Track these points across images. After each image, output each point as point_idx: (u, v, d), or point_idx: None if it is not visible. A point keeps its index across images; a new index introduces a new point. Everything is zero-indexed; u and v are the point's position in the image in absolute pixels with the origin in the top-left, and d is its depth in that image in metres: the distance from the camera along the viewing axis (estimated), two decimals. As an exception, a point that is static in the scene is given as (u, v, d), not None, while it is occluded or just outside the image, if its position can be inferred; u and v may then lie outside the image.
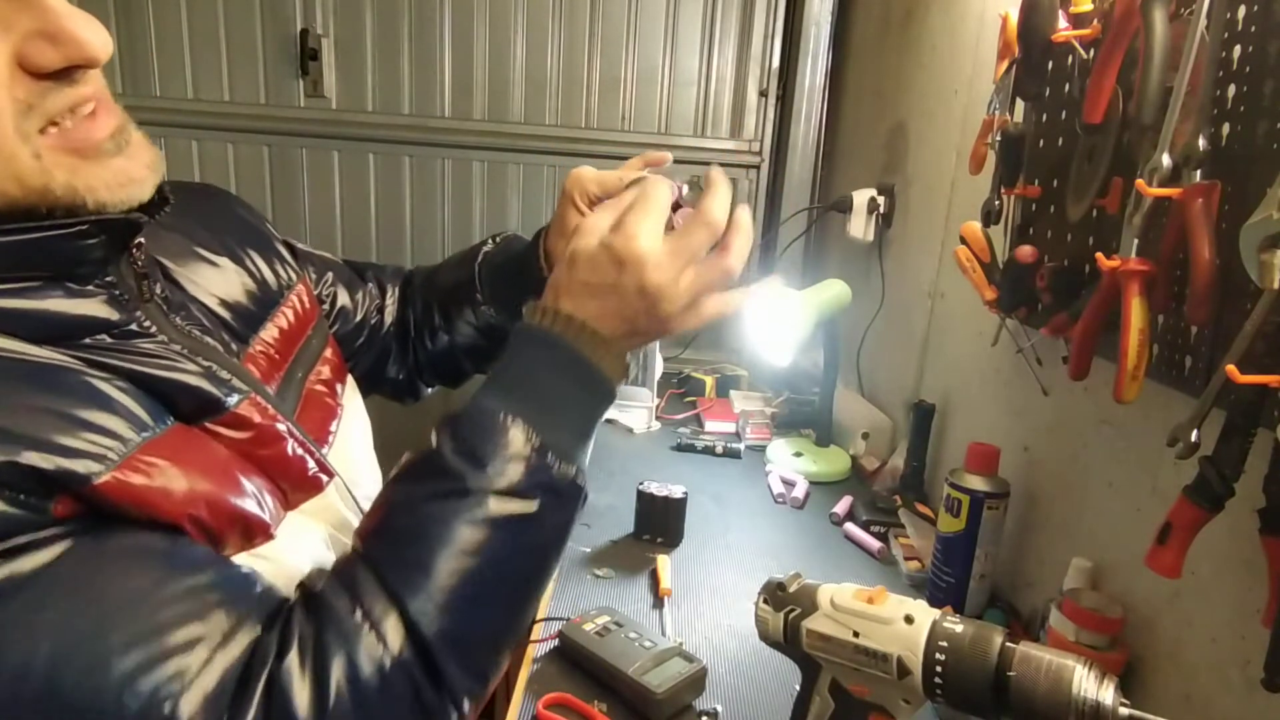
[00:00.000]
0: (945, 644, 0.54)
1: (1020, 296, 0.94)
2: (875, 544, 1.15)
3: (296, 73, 2.04)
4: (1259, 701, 0.63)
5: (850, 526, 1.21)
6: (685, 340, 2.16)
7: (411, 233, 2.15)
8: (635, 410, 1.63)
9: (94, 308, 0.53)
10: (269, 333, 0.70)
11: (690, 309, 0.62)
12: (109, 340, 0.53)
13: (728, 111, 2.13)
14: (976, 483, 0.95)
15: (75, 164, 0.49)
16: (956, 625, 0.55)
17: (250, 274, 0.72)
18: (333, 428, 0.73)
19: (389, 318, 0.96)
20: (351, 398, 0.81)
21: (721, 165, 2.16)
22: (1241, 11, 0.64)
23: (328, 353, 0.78)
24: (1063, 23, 0.86)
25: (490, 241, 0.97)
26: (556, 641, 0.86)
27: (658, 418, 1.65)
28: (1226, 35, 0.65)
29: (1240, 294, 0.61)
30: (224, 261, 0.70)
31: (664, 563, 1.05)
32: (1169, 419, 0.61)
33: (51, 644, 0.42)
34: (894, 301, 1.58)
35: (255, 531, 0.56)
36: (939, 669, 0.54)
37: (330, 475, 0.66)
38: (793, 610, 0.62)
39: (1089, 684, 0.49)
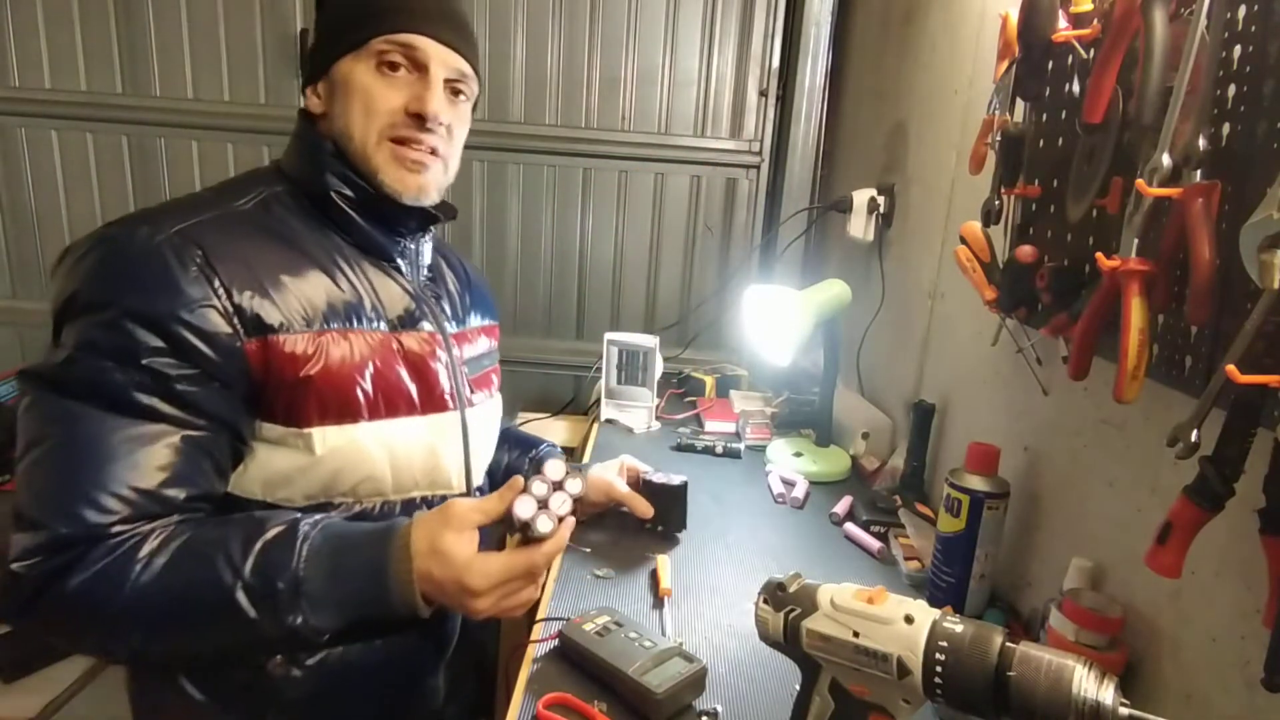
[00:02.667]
0: (945, 644, 0.54)
1: (1020, 296, 0.94)
2: (875, 544, 1.15)
3: (296, 73, 2.04)
4: (1259, 701, 0.63)
5: (850, 526, 1.21)
6: (685, 340, 2.16)
7: (411, 233, 2.16)
8: (635, 410, 1.63)
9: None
10: (473, 330, 1.04)
11: (490, 606, 0.77)
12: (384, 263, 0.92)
13: (728, 111, 2.13)
14: (976, 483, 0.95)
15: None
16: (956, 625, 0.55)
17: (482, 305, 1.09)
18: (477, 399, 0.98)
19: None
20: (497, 402, 1.06)
21: (721, 165, 2.18)
22: (1241, 11, 0.64)
23: (494, 376, 1.07)
24: (1063, 23, 0.86)
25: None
26: (556, 641, 0.86)
27: (658, 418, 1.65)
28: (1226, 35, 0.65)
29: (1240, 294, 0.61)
30: (473, 295, 1.08)
31: (664, 563, 1.05)
32: (1169, 419, 0.61)
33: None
34: (894, 301, 1.58)
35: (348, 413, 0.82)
36: (939, 669, 0.54)
37: (456, 406, 0.92)
38: (793, 610, 0.62)
39: (1089, 684, 0.49)
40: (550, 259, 2.22)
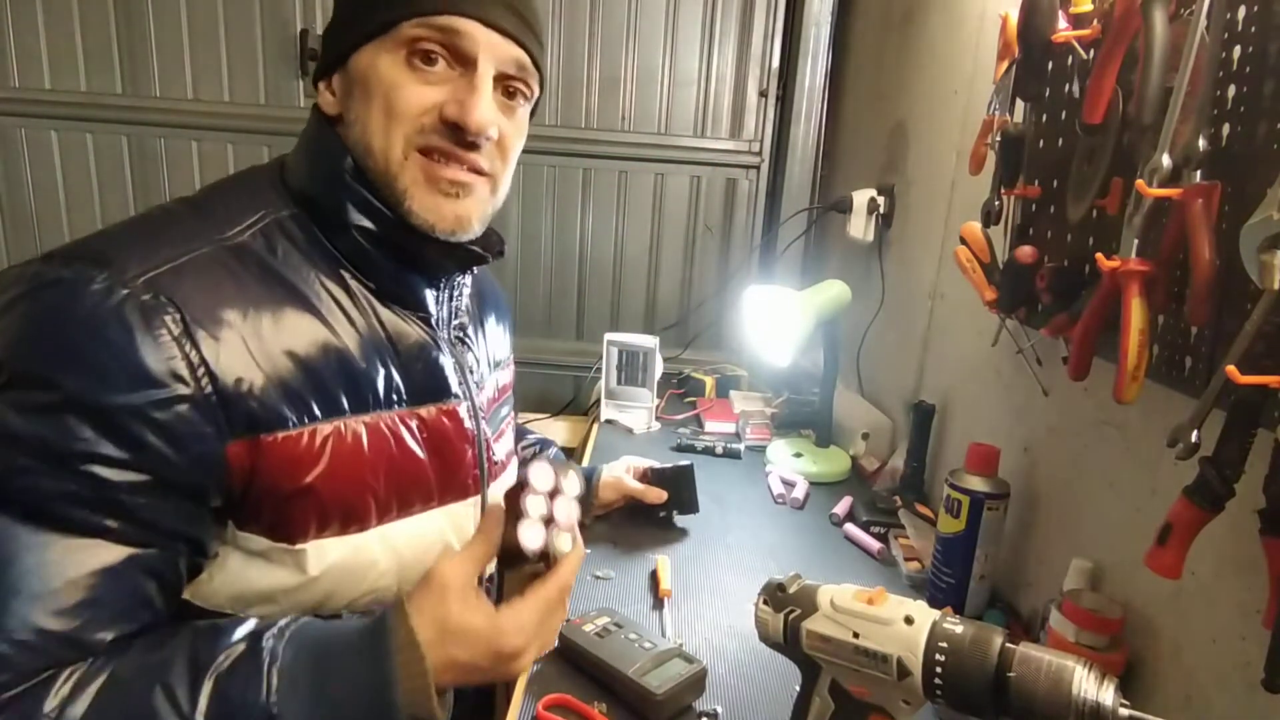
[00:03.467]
0: (945, 645, 0.54)
1: (1020, 297, 0.94)
2: (875, 544, 1.15)
3: (296, 73, 2.04)
4: (1259, 702, 0.63)
5: (850, 527, 1.21)
6: (685, 340, 2.16)
7: (411, 233, 2.16)
8: (635, 411, 1.63)
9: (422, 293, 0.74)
10: (493, 382, 0.89)
11: (535, 655, 0.67)
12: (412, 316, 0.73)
13: (728, 111, 2.13)
14: (976, 483, 0.95)
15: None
16: (956, 626, 0.55)
17: (501, 335, 0.96)
18: (498, 458, 0.84)
19: None
20: (514, 464, 0.93)
21: (721, 165, 2.18)
22: (1241, 11, 0.64)
23: (512, 418, 0.95)
24: (1063, 23, 0.86)
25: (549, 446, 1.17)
26: (556, 642, 0.86)
27: (658, 418, 1.65)
28: (1226, 35, 0.65)
29: (1240, 294, 0.61)
30: (491, 322, 0.93)
31: (664, 563, 1.05)
32: (1169, 419, 0.61)
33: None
34: (894, 302, 1.58)
35: (353, 519, 0.67)
36: (939, 670, 0.54)
37: (477, 491, 0.78)
38: (793, 611, 0.62)
39: (1089, 685, 0.49)
40: (550, 259, 2.22)
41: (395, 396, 0.70)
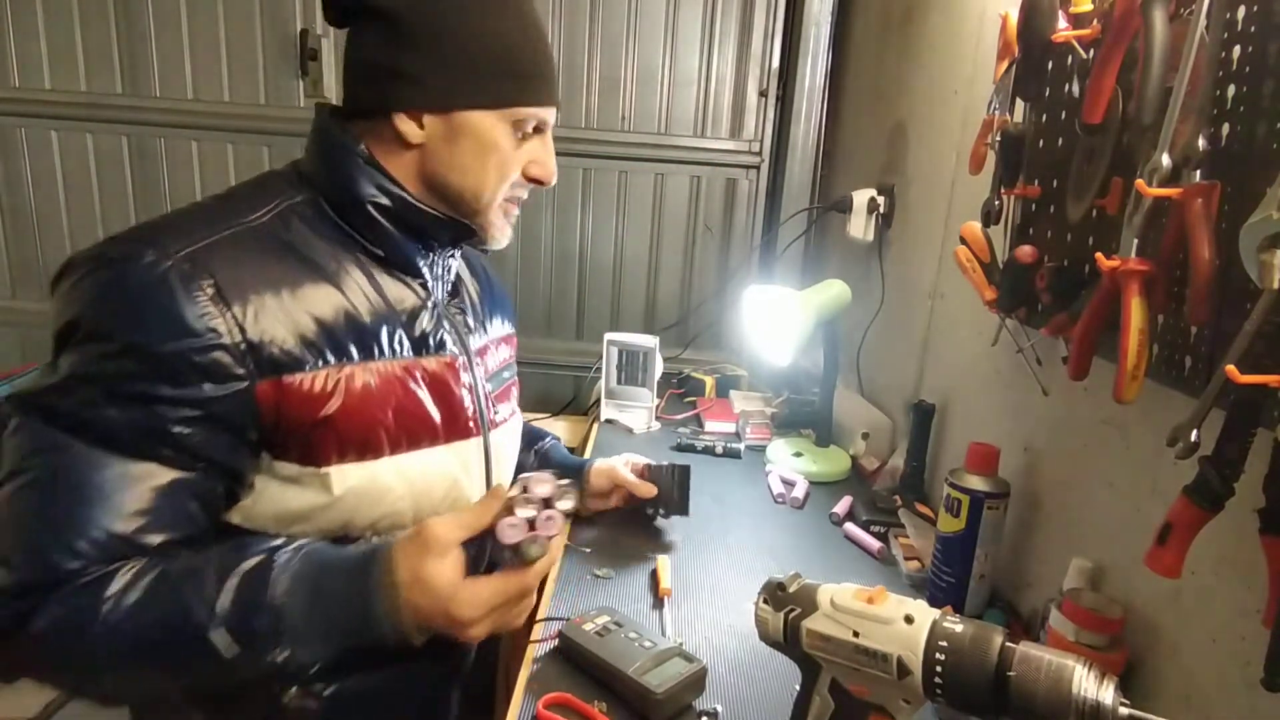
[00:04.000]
0: (945, 644, 0.54)
1: (1020, 297, 0.94)
2: (875, 544, 1.15)
3: (296, 73, 2.04)
4: (1259, 701, 0.63)
5: (850, 526, 1.21)
6: (685, 340, 2.16)
7: (411, 233, 2.16)
8: (635, 410, 1.63)
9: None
10: (494, 341, 1.01)
11: (485, 630, 0.74)
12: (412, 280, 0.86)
13: (728, 111, 2.13)
14: (976, 483, 0.95)
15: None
16: (956, 625, 0.55)
17: (501, 311, 1.06)
18: (499, 418, 0.96)
19: None
20: (518, 419, 1.04)
21: (721, 165, 2.18)
22: (1241, 11, 0.64)
23: (513, 386, 1.05)
24: (1063, 23, 0.86)
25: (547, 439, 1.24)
26: (556, 641, 0.86)
27: (658, 418, 1.65)
28: (1226, 35, 0.65)
29: (1240, 294, 0.61)
30: (490, 302, 1.04)
31: (664, 563, 1.05)
32: (1169, 419, 0.61)
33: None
34: (894, 301, 1.58)
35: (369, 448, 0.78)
36: (939, 669, 0.54)
37: (479, 431, 0.89)
38: (793, 610, 0.62)
39: (1089, 684, 0.49)
40: (550, 259, 2.22)
41: (398, 348, 0.82)
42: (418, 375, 0.83)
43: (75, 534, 0.66)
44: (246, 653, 0.67)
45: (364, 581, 0.70)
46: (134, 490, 0.68)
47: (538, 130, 0.87)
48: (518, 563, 0.74)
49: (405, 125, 0.81)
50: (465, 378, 0.89)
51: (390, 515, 0.82)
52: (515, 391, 1.05)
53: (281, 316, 0.73)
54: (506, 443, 0.98)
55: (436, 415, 0.84)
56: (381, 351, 0.81)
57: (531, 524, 0.74)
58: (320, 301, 0.77)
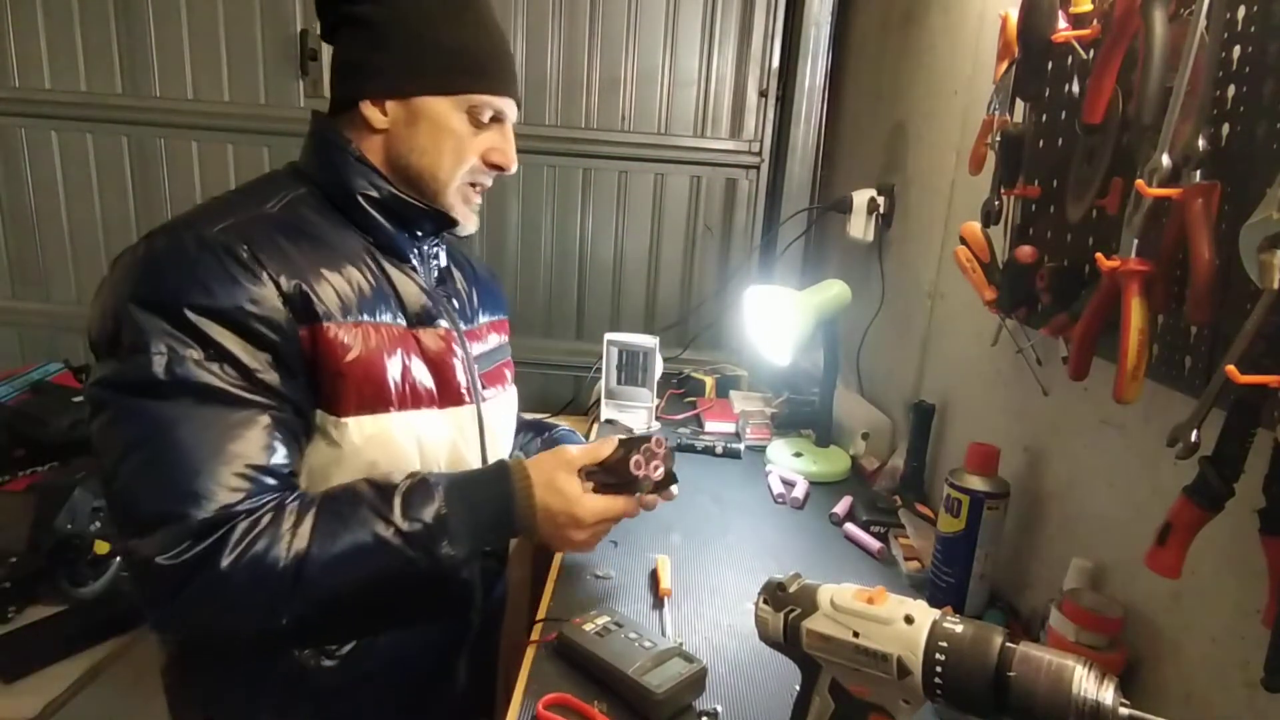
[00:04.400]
0: (945, 644, 0.54)
1: (1020, 297, 0.94)
2: (875, 544, 1.15)
3: (296, 73, 2.04)
4: (1259, 701, 0.63)
5: (850, 527, 1.21)
6: (685, 340, 2.16)
7: (411, 233, 2.16)
8: (635, 410, 1.63)
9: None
10: (484, 326, 1.09)
11: (586, 539, 0.91)
12: (406, 265, 0.96)
13: (728, 111, 2.13)
14: (976, 483, 0.95)
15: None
16: (956, 625, 0.55)
17: (491, 302, 1.14)
18: (490, 394, 1.03)
19: None
20: (510, 396, 1.12)
21: (721, 165, 2.18)
22: (1241, 11, 0.64)
23: (506, 369, 1.12)
24: (1063, 23, 0.86)
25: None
26: (556, 641, 0.86)
27: (658, 418, 1.65)
28: (1226, 35, 0.65)
29: (1240, 294, 0.61)
30: (483, 291, 1.13)
31: (664, 563, 1.05)
32: (1169, 419, 0.61)
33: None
34: (894, 301, 1.58)
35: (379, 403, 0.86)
36: (939, 669, 0.54)
37: (472, 401, 0.97)
38: (793, 610, 0.62)
39: (1089, 684, 0.49)
40: (550, 259, 2.22)
41: (398, 319, 0.91)
42: (414, 345, 0.91)
43: (224, 472, 0.74)
44: (420, 551, 0.79)
45: (506, 485, 0.86)
46: (249, 431, 0.76)
47: (496, 120, 0.95)
48: (625, 492, 0.91)
49: (370, 111, 0.91)
50: (457, 350, 0.96)
51: (402, 472, 0.87)
52: (509, 373, 1.12)
53: (307, 275, 0.83)
54: (499, 416, 1.05)
55: (432, 382, 0.92)
56: (384, 316, 0.89)
57: (641, 464, 0.91)
58: (333, 269, 0.86)
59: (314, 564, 0.75)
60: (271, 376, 0.79)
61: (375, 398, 0.86)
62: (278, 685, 0.87)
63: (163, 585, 0.72)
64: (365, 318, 0.86)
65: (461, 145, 0.93)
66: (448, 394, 0.94)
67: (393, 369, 0.87)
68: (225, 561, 0.72)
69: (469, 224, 0.98)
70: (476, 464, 0.98)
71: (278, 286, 0.80)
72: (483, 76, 0.92)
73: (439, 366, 0.93)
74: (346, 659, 0.88)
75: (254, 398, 0.77)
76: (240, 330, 0.77)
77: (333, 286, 0.84)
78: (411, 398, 0.89)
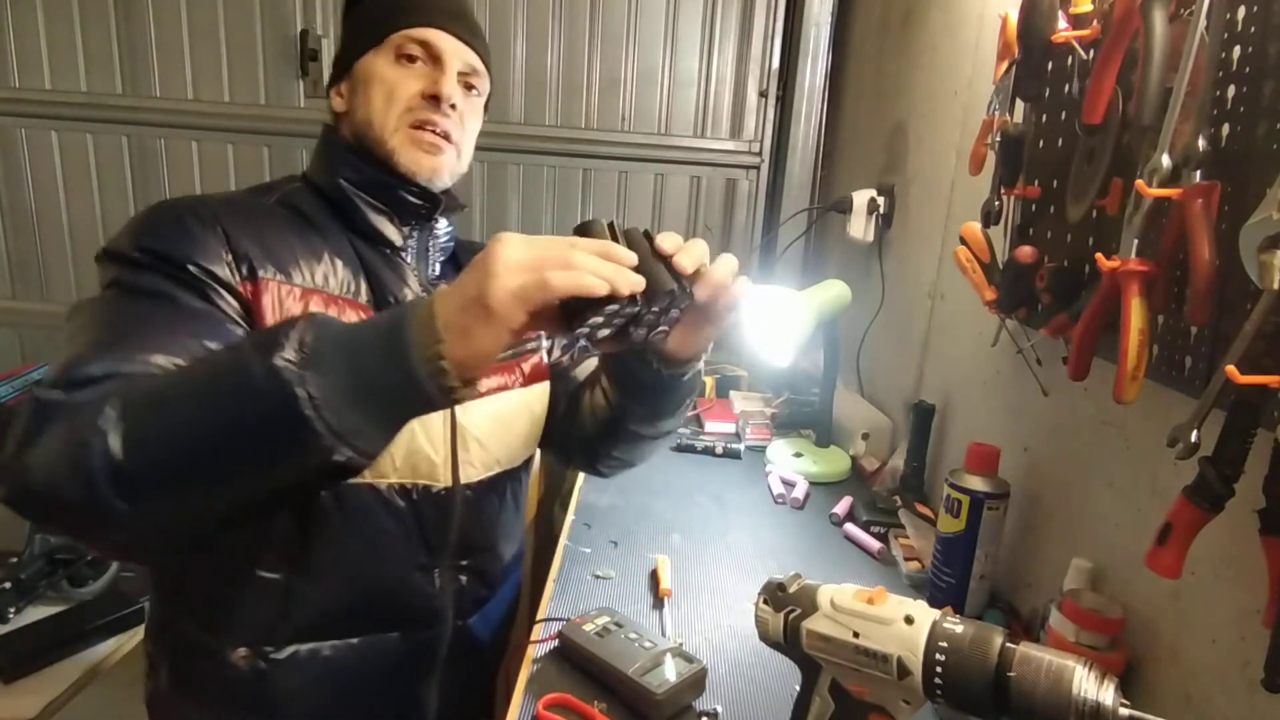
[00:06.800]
0: (945, 644, 0.54)
1: (1020, 297, 0.94)
2: (875, 544, 1.15)
3: (296, 73, 2.04)
4: (1259, 702, 0.63)
5: (850, 527, 1.21)
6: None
7: (411, 233, 2.16)
8: (635, 410, 1.63)
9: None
10: None
11: (515, 272, 0.57)
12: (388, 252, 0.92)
13: (728, 112, 2.13)
14: (976, 483, 0.95)
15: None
16: (956, 626, 0.55)
17: None
18: (482, 387, 0.92)
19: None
20: (520, 393, 0.99)
21: (721, 166, 2.18)
22: (1241, 12, 0.64)
23: (531, 360, 1.01)
24: (1062, 23, 0.86)
25: None
26: (556, 642, 0.86)
27: (658, 418, 1.65)
28: (1226, 35, 0.65)
29: (1240, 294, 0.61)
30: None
31: (664, 563, 1.05)
32: (1169, 419, 0.61)
33: None
34: (894, 302, 1.58)
35: None
36: (939, 669, 0.54)
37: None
38: (793, 611, 0.62)
39: (1089, 684, 0.49)
40: (550, 259, 2.21)
41: (363, 300, 0.86)
42: None
43: (137, 351, 0.68)
44: (272, 379, 0.56)
45: (397, 310, 0.61)
46: (196, 323, 0.73)
47: (431, 57, 0.90)
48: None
49: (334, 100, 0.94)
50: None
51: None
52: (525, 368, 0.99)
53: (269, 243, 0.81)
54: (488, 415, 0.92)
55: None
56: (344, 291, 0.85)
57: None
58: (307, 248, 0.84)
59: (150, 391, 0.63)
60: (224, 304, 0.76)
61: None
62: (209, 688, 0.84)
63: (31, 413, 0.63)
64: (318, 290, 0.82)
65: (391, 87, 0.89)
66: None
67: None
68: (82, 396, 0.62)
69: (419, 167, 0.89)
70: (444, 465, 0.88)
71: (228, 242, 0.78)
72: (401, 13, 0.90)
73: None
74: (285, 665, 0.83)
75: (203, 307, 0.75)
76: (192, 261, 0.75)
77: (294, 258, 0.82)
78: None
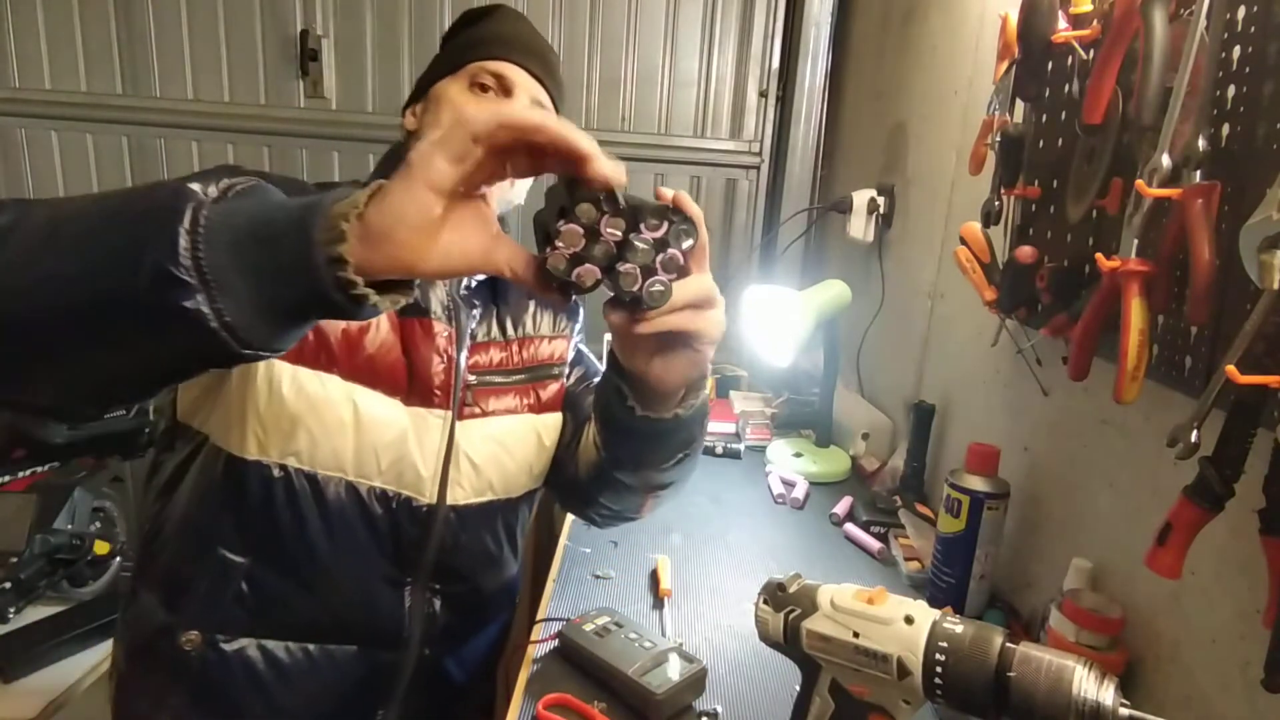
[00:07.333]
0: (945, 644, 0.54)
1: (1020, 297, 0.94)
2: (875, 544, 1.15)
3: (296, 73, 2.04)
4: (1259, 702, 0.63)
5: (850, 527, 1.21)
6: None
7: (411, 233, 2.16)
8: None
9: None
10: (525, 339, 0.98)
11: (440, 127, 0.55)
12: None
13: (728, 112, 2.13)
14: (976, 483, 0.95)
15: None
16: (956, 626, 0.55)
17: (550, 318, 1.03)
18: (479, 409, 0.90)
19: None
20: (527, 419, 0.95)
21: (721, 166, 2.17)
22: (1241, 12, 0.64)
23: (551, 387, 0.98)
24: (1062, 23, 0.86)
25: None
26: (556, 642, 0.86)
27: (658, 418, 1.65)
28: (1226, 35, 0.65)
29: (1240, 294, 0.61)
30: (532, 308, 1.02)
31: (664, 563, 1.05)
32: (1169, 419, 0.61)
33: None
34: (894, 301, 1.58)
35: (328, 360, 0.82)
36: (939, 669, 0.54)
37: (440, 406, 0.87)
38: (793, 611, 0.62)
39: (1089, 684, 0.49)
40: (550, 259, 2.21)
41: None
42: (392, 321, 0.86)
43: None
44: (145, 223, 0.49)
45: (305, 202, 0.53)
46: None
47: (504, 91, 0.93)
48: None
49: (407, 119, 0.98)
50: (441, 342, 0.87)
51: (332, 450, 0.82)
52: (541, 395, 0.96)
53: None
54: (487, 438, 0.90)
55: (404, 369, 0.85)
56: None
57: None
58: None
59: (49, 219, 0.54)
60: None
61: (316, 352, 0.81)
62: (158, 668, 0.83)
63: None
64: None
65: (457, 108, 0.92)
66: (416, 389, 0.86)
67: (337, 326, 0.82)
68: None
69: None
70: (432, 479, 0.86)
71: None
72: (481, 45, 0.95)
73: (413, 356, 0.86)
74: (234, 658, 0.82)
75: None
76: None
77: None
78: (370, 375, 0.83)
